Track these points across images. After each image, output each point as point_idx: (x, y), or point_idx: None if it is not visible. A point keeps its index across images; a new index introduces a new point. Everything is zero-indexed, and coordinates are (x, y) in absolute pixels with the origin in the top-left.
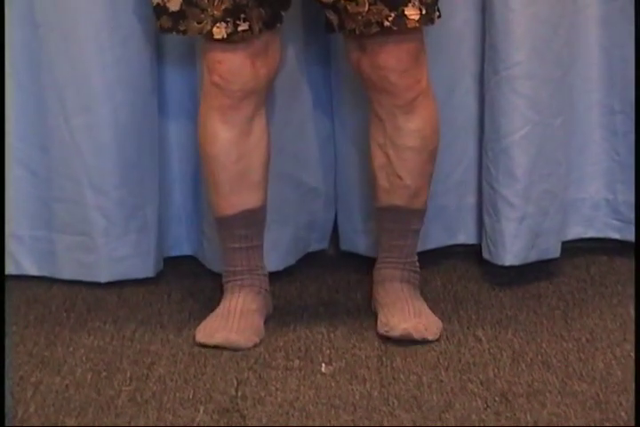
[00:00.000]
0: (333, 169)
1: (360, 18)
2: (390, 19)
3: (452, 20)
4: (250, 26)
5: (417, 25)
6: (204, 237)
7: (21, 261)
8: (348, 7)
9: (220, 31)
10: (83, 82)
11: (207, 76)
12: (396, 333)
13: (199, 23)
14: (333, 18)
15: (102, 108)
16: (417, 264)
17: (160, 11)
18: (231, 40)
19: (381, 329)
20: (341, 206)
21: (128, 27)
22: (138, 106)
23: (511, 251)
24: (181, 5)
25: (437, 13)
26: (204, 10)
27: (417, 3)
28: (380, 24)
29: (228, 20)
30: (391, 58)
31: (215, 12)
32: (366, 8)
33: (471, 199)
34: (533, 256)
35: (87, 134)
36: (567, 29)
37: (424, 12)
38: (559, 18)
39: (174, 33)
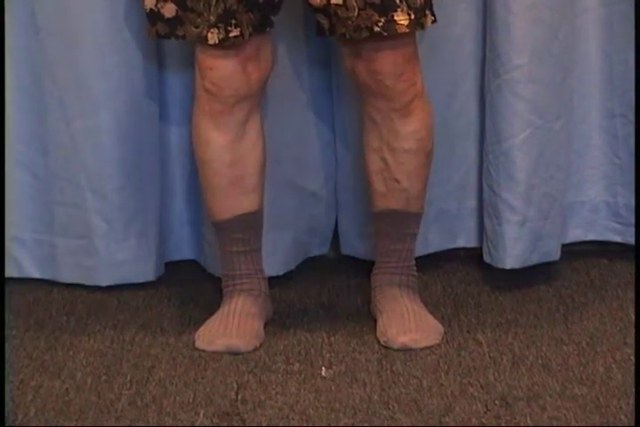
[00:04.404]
0: (334, 174)
1: (350, 23)
2: (380, 24)
3: (453, 24)
4: (241, 31)
5: (406, 30)
6: (204, 241)
7: (23, 264)
8: (338, 12)
9: (212, 37)
10: (83, 86)
11: (199, 82)
12: (394, 345)
13: (196, 28)
14: (324, 22)
15: (103, 112)
16: (414, 268)
17: (154, 17)
18: (223, 46)
19: (380, 338)
20: (342, 211)
21: (128, 31)
22: (138, 110)
23: (512, 254)
24: (177, 11)
25: (432, 18)
26: (200, 14)
27: (405, 8)
28: (370, 29)
29: (220, 25)
30: (387, 63)
31: (211, 17)
32: (356, 13)
33: (472, 203)
34: (534, 259)
35: (88, 138)
36: (567, 33)
37: (413, 17)
38: (560, 21)
39: (172, 39)
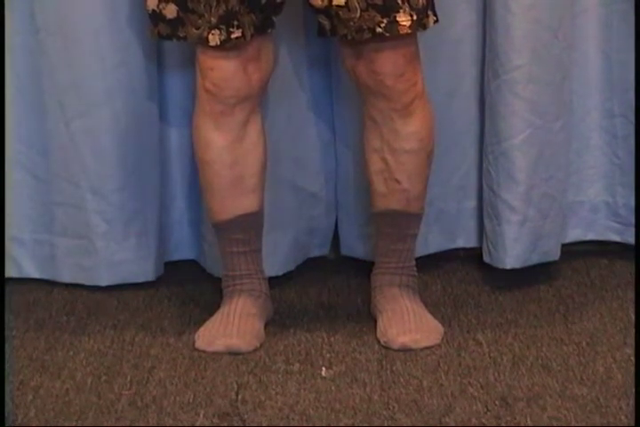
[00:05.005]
0: (334, 174)
1: (352, 24)
2: (382, 25)
3: (453, 24)
4: (242, 32)
5: (408, 31)
6: (204, 241)
7: (22, 265)
8: (340, 13)
9: (214, 38)
10: (83, 86)
11: (200, 83)
12: (394, 345)
13: (197, 29)
14: (326, 23)
15: (102, 113)
16: (414, 268)
17: (156, 18)
18: (224, 47)
19: (380, 339)
20: (342, 211)
21: (128, 31)
22: (138, 110)
23: (512, 254)
24: (178, 12)
25: (435, 18)
26: (201, 16)
27: (408, 9)
28: (372, 30)
29: (222, 26)
30: (387, 63)
31: (212, 19)
32: (358, 14)
33: (471, 203)
34: (534, 259)
35: (87, 138)
36: (567, 33)
37: (415, 17)
38: (559, 21)
39: (174, 40)
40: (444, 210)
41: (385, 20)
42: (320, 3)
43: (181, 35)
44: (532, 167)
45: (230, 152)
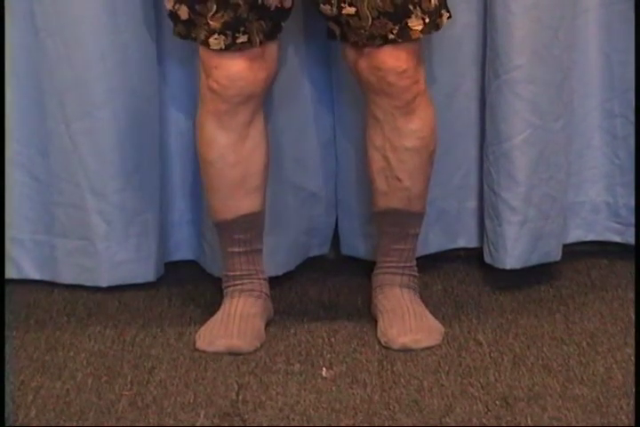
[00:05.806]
0: (334, 173)
1: (363, 32)
2: (395, 32)
3: (453, 24)
4: (249, 38)
5: (420, 35)
6: (204, 241)
7: (22, 266)
8: (351, 21)
9: (218, 42)
10: (83, 86)
11: (204, 82)
12: (394, 346)
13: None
14: (335, 29)
15: (103, 113)
16: (416, 269)
17: (174, 18)
18: (229, 50)
19: (381, 339)
20: (342, 211)
21: (129, 31)
22: (138, 110)
23: (512, 254)
24: (189, 14)
25: (448, 15)
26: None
27: (420, 13)
28: (384, 37)
29: (227, 32)
30: (389, 59)
31: (212, 23)
32: (370, 22)
33: (472, 203)
34: (534, 259)
35: (88, 139)
36: (567, 33)
37: (427, 20)
38: (560, 22)
39: (190, 40)
40: (445, 210)
41: (397, 27)
42: (330, 11)
43: (193, 35)
44: (533, 167)
45: (233, 152)
